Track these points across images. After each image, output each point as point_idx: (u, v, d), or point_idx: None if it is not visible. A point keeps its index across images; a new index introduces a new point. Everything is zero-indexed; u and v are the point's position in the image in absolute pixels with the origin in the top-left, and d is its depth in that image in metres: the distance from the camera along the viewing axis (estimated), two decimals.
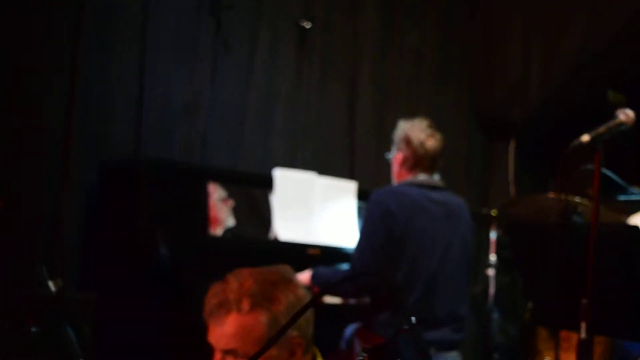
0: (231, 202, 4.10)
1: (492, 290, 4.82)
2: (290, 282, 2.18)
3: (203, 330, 2.16)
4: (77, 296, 2.45)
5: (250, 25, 4.82)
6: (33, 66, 3.83)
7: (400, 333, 1.61)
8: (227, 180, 4.12)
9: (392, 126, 4.17)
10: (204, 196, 4.00)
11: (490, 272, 4.82)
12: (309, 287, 3.83)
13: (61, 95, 3.94)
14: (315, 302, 2.13)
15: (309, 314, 2.19)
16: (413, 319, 1.63)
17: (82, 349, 1.84)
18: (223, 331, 2.10)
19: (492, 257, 4.84)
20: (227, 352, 2.10)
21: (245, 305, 2.09)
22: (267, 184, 4.22)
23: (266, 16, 4.89)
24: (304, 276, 3.87)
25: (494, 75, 6.18)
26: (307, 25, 4.98)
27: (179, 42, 4.46)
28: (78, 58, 3.99)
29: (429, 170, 3.97)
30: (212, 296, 2.13)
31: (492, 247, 4.83)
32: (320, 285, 3.82)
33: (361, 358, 1.63)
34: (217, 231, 4.04)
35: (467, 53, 6.20)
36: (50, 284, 1.86)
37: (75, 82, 3.98)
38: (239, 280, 2.13)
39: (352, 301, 4.05)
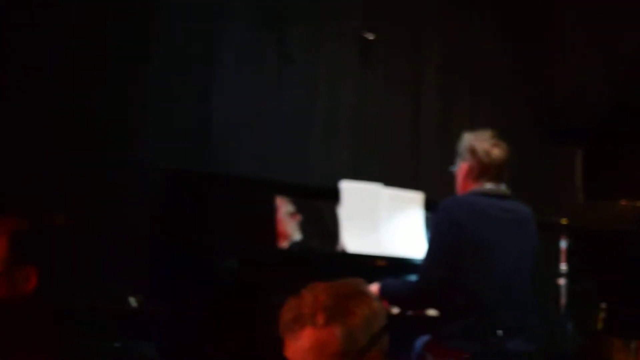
0: (299, 217, 4.11)
1: (563, 299, 4.74)
2: (365, 296, 2.17)
3: (273, 343, 2.16)
4: (152, 311, 2.48)
5: (313, 37, 4.84)
6: (104, 79, 3.90)
7: (486, 346, 1.58)
8: (294, 193, 4.13)
9: (457, 136, 4.14)
10: (271, 210, 4.02)
11: (561, 281, 4.75)
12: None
13: (131, 109, 4.00)
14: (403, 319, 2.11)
15: (383, 324, 2.17)
16: (500, 332, 1.60)
17: None
18: (298, 346, 2.09)
19: (563, 266, 4.76)
20: None
21: (320, 319, 2.08)
22: (333, 197, 4.22)
23: (329, 28, 4.90)
24: (373, 288, 3.85)
25: (554, 80, 6.10)
26: (370, 36, 4.97)
27: (244, 56, 4.50)
28: (147, 73, 4.05)
29: (496, 179, 3.93)
30: (287, 311, 2.13)
31: (562, 255, 4.76)
32: (389, 298, 3.80)
33: None
34: (285, 245, 4.06)
35: (528, 60, 6.12)
36: (132, 299, 1.87)
37: (144, 95, 4.05)
38: (314, 294, 2.12)
39: (408, 312, 4.03)
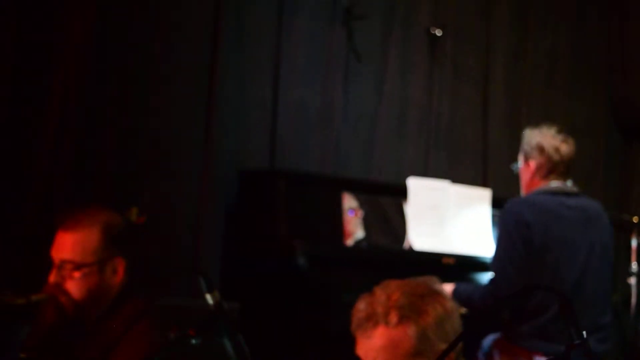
0: (361, 213, 4.11)
1: (634, 299, 4.66)
2: (439, 295, 2.15)
3: (342, 340, 2.16)
4: (228, 308, 2.50)
5: (382, 33, 4.84)
6: (173, 77, 3.94)
7: (571, 347, 1.56)
8: (361, 190, 4.14)
9: None
10: (338, 207, 4.03)
11: (632, 280, 4.66)
12: None
13: (200, 106, 4.04)
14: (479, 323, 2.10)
15: (458, 326, 2.16)
16: (584, 333, 1.59)
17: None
18: (371, 344, 2.08)
19: (634, 265, 4.68)
20: None
21: (393, 318, 2.07)
22: (400, 193, 4.21)
23: (397, 24, 4.89)
24: (447, 288, 3.82)
25: (633, 74, 5.98)
26: (438, 32, 4.95)
27: (313, 52, 4.52)
28: (216, 69, 4.08)
29: (563, 176, 3.88)
30: (360, 309, 2.12)
31: (634, 254, 4.67)
32: (462, 302, 3.76)
33: None
34: (351, 242, 4.06)
35: (603, 54, 6.01)
36: (208, 296, 1.90)
37: (213, 92, 4.08)
38: (387, 293, 2.11)
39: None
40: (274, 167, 4.29)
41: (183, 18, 4.00)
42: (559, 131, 3.91)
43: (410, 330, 2.06)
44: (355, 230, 4.10)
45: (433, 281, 2.20)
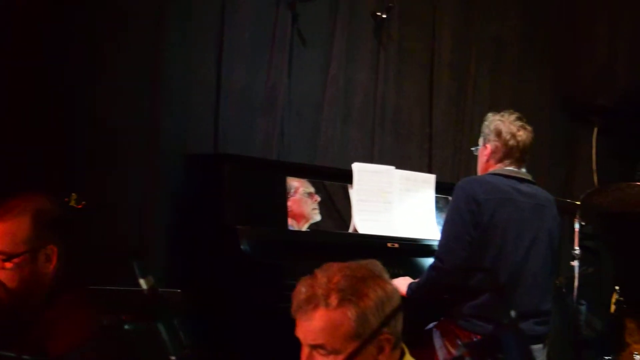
0: (317, 197, 4.11)
1: (577, 282, 4.70)
2: (379, 278, 2.15)
3: (289, 325, 2.15)
4: (165, 293, 2.47)
5: (327, 16, 4.80)
6: (117, 61, 3.88)
7: (500, 327, 1.56)
8: (306, 175, 4.13)
9: (472, 117, 4.12)
10: (283, 191, 4.01)
11: (575, 263, 4.70)
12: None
13: (145, 91, 4.00)
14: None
15: (396, 308, 2.16)
16: (513, 312, 1.59)
17: (174, 346, 1.85)
18: (311, 326, 2.08)
19: (577, 248, 4.72)
20: (314, 347, 2.09)
21: (334, 300, 2.07)
22: (346, 178, 4.20)
23: (343, 7, 4.86)
24: (401, 289, 3.76)
25: (579, 58, 6.03)
26: (384, 15, 4.93)
27: (257, 35, 4.47)
28: (160, 55, 4.04)
29: (518, 162, 3.92)
30: (300, 291, 2.12)
31: (576, 238, 4.71)
32: (418, 296, 3.75)
33: (461, 353, 1.60)
34: (303, 226, 4.05)
35: (551, 38, 6.06)
36: (142, 281, 1.87)
37: (157, 77, 4.04)
38: (327, 275, 2.11)
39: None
40: (218, 152, 4.25)
41: (128, 2, 3.94)
42: (519, 118, 3.95)
43: (351, 313, 2.06)
44: (310, 214, 4.10)
45: (375, 264, 2.20)
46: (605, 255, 5.18)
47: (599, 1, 5.95)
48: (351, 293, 2.08)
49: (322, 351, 2.08)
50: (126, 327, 1.83)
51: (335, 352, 2.05)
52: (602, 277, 5.37)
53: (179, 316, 1.88)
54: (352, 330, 2.06)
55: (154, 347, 1.85)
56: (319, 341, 2.07)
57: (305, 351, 2.12)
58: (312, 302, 2.08)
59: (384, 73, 5.06)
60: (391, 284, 2.18)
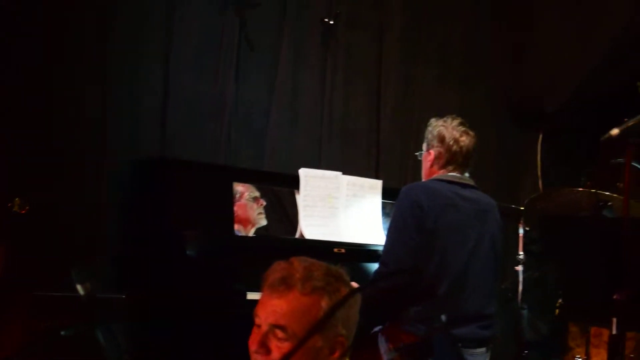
0: (263, 202, 4.11)
1: (520, 286, 4.76)
2: (349, 282, 2.19)
3: (233, 329, 2.15)
4: (108, 297, 2.46)
5: (275, 22, 4.81)
6: (66, 66, 3.86)
7: (432, 331, 1.58)
8: (253, 180, 4.13)
9: (419, 123, 4.15)
10: (230, 196, 4.01)
11: (519, 268, 4.77)
12: None
13: (94, 96, 3.98)
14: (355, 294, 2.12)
15: (357, 319, 2.18)
16: (444, 317, 1.61)
17: (111, 352, 1.84)
18: (278, 306, 2.08)
19: (521, 253, 4.79)
20: (275, 327, 2.07)
21: (309, 286, 2.09)
22: (293, 183, 4.21)
23: (290, 13, 4.87)
24: None
25: (527, 65, 6.11)
26: (331, 21, 4.95)
27: (204, 41, 4.47)
28: (108, 61, 4.02)
29: (462, 167, 3.94)
30: (276, 271, 2.12)
31: (521, 243, 4.78)
32: (369, 307, 3.76)
33: (392, 357, 1.62)
34: (249, 231, 4.05)
35: (497, 45, 6.13)
36: (79, 287, 1.86)
37: (105, 84, 4.03)
38: (304, 265, 2.13)
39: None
40: (165, 157, 4.23)
41: (75, 5, 3.91)
42: (462, 123, 3.97)
43: (323, 302, 2.09)
44: (256, 219, 4.09)
45: (343, 270, 2.23)
46: (550, 260, 5.25)
47: (543, 10, 6.03)
48: (327, 284, 2.11)
49: (280, 334, 2.07)
50: (63, 332, 1.82)
51: (293, 337, 2.05)
52: (547, 281, 5.45)
53: (121, 322, 1.88)
54: (317, 320, 2.06)
55: (92, 352, 1.85)
56: (282, 322, 2.07)
57: (259, 331, 2.10)
58: (287, 282, 2.09)
59: (332, 79, 5.08)
60: (358, 295, 2.21)
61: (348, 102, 5.20)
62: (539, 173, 5.94)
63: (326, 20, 4.98)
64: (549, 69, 6.01)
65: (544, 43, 6.03)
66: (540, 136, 6.01)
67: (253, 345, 2.09)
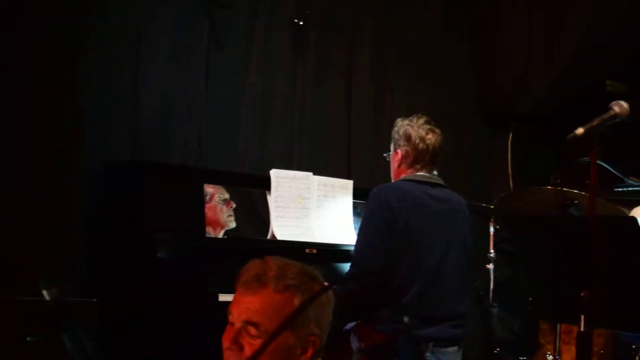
0: (232, 204, 4.11)
1: (492, 284, 4.80)
2: (323, 283, 2.20)
3: (205, 330, 2.15)
4: (76, 302, 2.45)
5: (245, 23, 4.81)
6: (35, 67, 3.83)
7: (397, 332, 1.60)
8: (225, 181, 4.13)
9: (391, 123, 4.16)
10: (201, 198, 4.00)
11: (490, 266, 4.80)
12: None
13: (64, 98, 3.95)
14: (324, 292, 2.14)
15: (330, 319, 2.20)
16: (406, 318, 1.63)
17: (79, 357, 1.84)
18: (252, 303, 2.08)
19: (492, 252, 4.82)
20: (248, 323, 2.08)
21: (282, 284, 2.10)
22: (265, 185, 4.22)
23: (261, 14, 4.87)
24: None
25: (496, 66, 6.15)
26: (302, 22, 4.96)
27: (175, 42, 4.46)
28: (77, 62, 3.99)
29: (429, 166, 3.96)
30: (250, 269, 2.14)
31: (492, 241, 4.81)
32: (342, 311, 3.77)
33: (356, 358, 1.63)
34: (219, 233, 4.05)
35: (469, 46, 6.16)
36: (45, 292, 1.85)
37: (76, 85, 4.00)
38: (278, 264, 2.14)
39: None
40: (136, 159, 4.22)
41: (46, 7, 3.89)
42: (428, 122, 3.99)
43: (296, 300, 2.10)
44: (226, 221, 4.09)
45: (318, 272, 2.24)
46: (520, 258, 5.28)
47: (516, 10, 6.07)
48: (301, 283, 2.12)
49: (253, 331, 2.07)
50: (29, 339, 1.81)
51: (266, 334, 2.06)
52: (518, 279, 5.48)
53: (90, 326, 1.87)
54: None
55: (59, 358, 1.84)
56: (255, 319, 2.07)
57: (232, 329, 2.11)
58: (261, 280, 2.10)
59: (303, 79, 5.09)
60: (330, 293, 2.22)
61: (319, 102, 5.20)
62: (510, 172, 5.98)
63: (296, 21, 4.98)
64: (518, 69, 6.06)
65: (513, 43, 6.07)
66: (511, 135, 6.06)
67: (226, 342, 2.10)
